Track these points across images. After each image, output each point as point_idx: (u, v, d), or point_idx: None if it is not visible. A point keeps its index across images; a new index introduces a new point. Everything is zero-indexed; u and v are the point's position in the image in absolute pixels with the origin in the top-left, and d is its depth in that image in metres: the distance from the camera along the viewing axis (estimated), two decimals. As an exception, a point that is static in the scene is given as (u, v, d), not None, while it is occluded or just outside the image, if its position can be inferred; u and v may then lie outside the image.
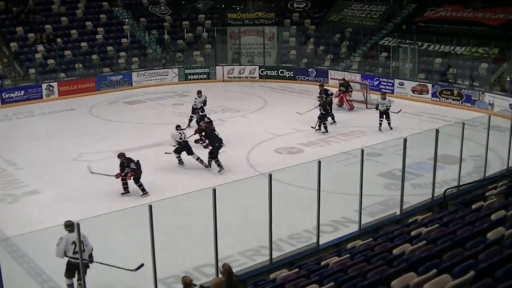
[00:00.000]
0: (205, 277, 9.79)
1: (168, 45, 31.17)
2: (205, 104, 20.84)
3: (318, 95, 21.58)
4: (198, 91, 21.26)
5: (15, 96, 25.62)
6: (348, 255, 8.90)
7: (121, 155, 14.67)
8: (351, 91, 24.22)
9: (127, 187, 14.59)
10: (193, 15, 34.12)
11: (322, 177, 10.07)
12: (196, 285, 7.98)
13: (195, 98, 21.02)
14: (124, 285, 10.40)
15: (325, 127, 20.06)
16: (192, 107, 20.97)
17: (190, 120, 20.72)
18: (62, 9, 31.60)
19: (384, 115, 20.46)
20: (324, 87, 22.27)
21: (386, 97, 20.89)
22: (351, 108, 23.89)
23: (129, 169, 14.29)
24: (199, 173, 16.01)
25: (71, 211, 12.54)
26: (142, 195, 14.32)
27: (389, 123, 20.44)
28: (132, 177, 14.34)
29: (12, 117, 23.39)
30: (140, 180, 14.43)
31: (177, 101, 24.83)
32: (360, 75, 27.67)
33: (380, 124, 20.46)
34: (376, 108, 20.61)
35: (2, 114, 23.73)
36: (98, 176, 16.01)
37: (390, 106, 20.63)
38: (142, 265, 9.33)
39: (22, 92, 25.94)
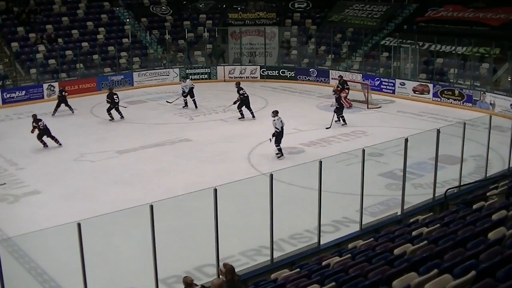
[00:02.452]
0: (206, 277, 9.80)
1: (170, 45, 31.23)
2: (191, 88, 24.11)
3: (238, 92, 22.20)
4: (182, 77, 25.75)
5: (16, 96, 25.63)
6: (349, 255, 8.90)
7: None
8: (347, 89, 24.18)
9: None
10: (194, 15, 34.14)
11: (323, 177, 10.06)
12: (197, 285, 7.97)
13: (181, 83, 24.77)
14: (125, 285, 10.40)
15: (242, 114, 21.98)
16: (182, 90, 24.24)
17: (185, 102, 24.26)
18: (63, 9, 31.63)
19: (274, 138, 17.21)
20: (240, 85, 22.78)
21: (277, 114, 17.38)
22: (350, 106, 23.81)
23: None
24: (200, 173, 16.02)
25: (72, 211, 12.57)
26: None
27: (278, 148, 17.28)
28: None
29: (13, 117, 23.39)
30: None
31: (178, 101, 24.82)
32: (361, 75, 27.65)
33: (279, 151, 17.29)
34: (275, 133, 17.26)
35: (3, 114, 23.74)
36: (99, 176, 16.07)
37: (280, 127, 17.12)
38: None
39: (23, 92, 25.95)
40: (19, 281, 10.31)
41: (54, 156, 17.98)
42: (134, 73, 29.33)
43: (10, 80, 26.82)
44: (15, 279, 9.99)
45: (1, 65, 27.46)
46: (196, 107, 23.99)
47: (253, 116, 22.28)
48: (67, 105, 23.49)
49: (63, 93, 23.55)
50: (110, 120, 22.20)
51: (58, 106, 23.28)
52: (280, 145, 17.28)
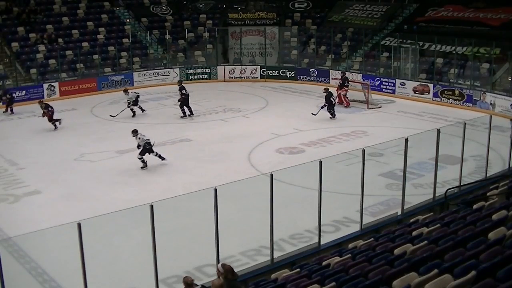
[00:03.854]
0: (207, 277, 9.80)
1: (170, 45, 31.22)
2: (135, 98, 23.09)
3: (180, 91, 22.56)
4: (125, 89, 23.53)
5: (17, 96, 25.58)
6: (350, 255, 8.90)
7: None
8: (347, 86, 24.21)
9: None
10: (195, 15, 34.14)
11: (323, 177, 10.06)
12: (197, 285, 7.97)
13: (127, 95, 22.89)
14: (125, 285, 10.40)
15: (183, 112, 22.47)
16: (131, 101, 22.86)
17: (141, 109, 23.24)
18: (63, 9, 31.64)
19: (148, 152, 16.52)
20: (182, 84, 23.11)
21: (136, 133, 16.64)
22: (347, 105, 23.91)
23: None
24: (200, 173, 16.02)
25: (72, 211, 12.59)
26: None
27: (142, 160, 16.52)
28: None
29: (14, 117, 23.40)
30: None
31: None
32: (361, 75, 27.64)
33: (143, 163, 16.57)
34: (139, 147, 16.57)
35: (3, 114, 23.74)
36: (99, 176, 16.07)
37: (143, 143, 16.40)
38: None
39: (24, 92, 25.95)
40: (19, 281, 10.31)
41: (54, 156, 17.98)
42: (134, 73, 29.34)
43: (10, 80, 26.83)
44: (15, 279, 9.99)
45: (1, 65, 27.48)
46: (142, 110, 23.19)
47: (192, 113, 22.72)
48: (9, 106, 23.91)
49: (7, 95, 23.98)
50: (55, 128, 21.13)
51: (8, 107, 23.88)
52: (144, 156, 16.51)
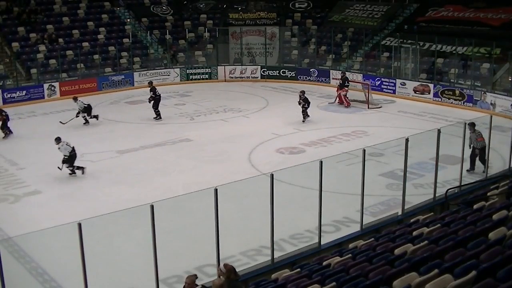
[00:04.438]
0: (207, 277, 9.78)
1: (170, 45, 31.22)
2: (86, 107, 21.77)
3: (152, 92, 22.44)
4: (74, 97, 22.15)
5: (17, 96, 25.64)
6: (350, 255, 8.90)
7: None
8: (347, 86, 24.21)
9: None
10: (195, 15, 34.16)
11: (324, 177, 10.06)
12: (197, 285, 7.96)
13: (76, 103, 21.66)
14: (125, 285, 10.40)
15: (157, 113, 22.30)
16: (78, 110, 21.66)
17: (85, 118, 21.71)
18: (64, 9, 31.66)
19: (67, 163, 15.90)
20: (153, 85, 23.01)
21: (59, 141, 15.95)
22: (348, 105, 23.92)
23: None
24: (200, 173, 16.01)
25: (73, 211, 12.58)
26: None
27: (70, 169, 15.98)
28: None
29: (14, 117, 23.28)
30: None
31: (178, 101, 24.83)
32: (361, 75, 27.63)
33: (72, 171, 16.02)
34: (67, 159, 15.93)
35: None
36: (99, 176, 16.06)
37: (68, 152, 15.79)
38: None
39: (24, 92, 25.97)
40: (19, 281, 10.31)
41: (54, 156, 17.92)
42: (134, 73, 29.34)
43: (10, 80, 26.84)
44: (15, 279, 9.99)
45: (1, 65, 27.49)
46: (96, 117, 21.94)
47: (159, 117, 22.47)
48: None
49: None
50: (4, 137, 20.25)
51: None
52: (74, 164, 16.01)
